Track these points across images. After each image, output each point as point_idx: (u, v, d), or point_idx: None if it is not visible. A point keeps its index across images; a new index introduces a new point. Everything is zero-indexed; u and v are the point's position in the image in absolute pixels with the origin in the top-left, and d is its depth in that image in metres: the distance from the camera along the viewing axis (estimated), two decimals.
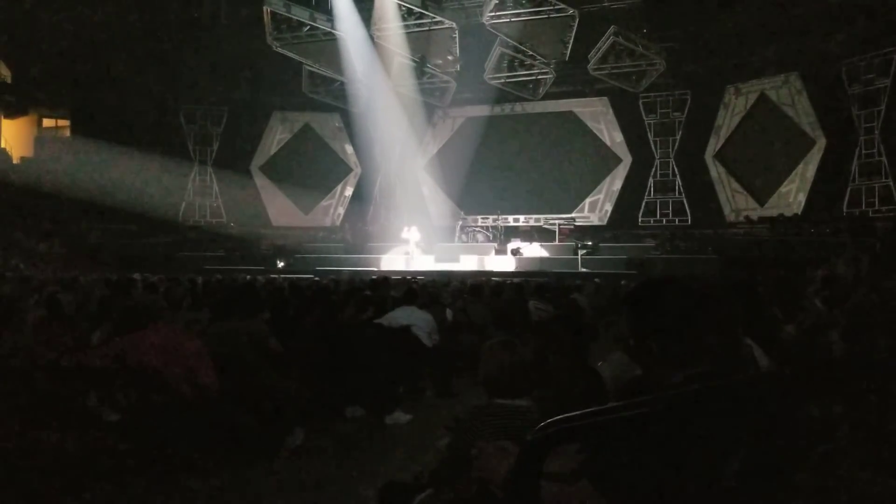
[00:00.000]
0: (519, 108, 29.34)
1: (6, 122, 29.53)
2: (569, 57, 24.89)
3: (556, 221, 25.93)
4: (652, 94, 27.07)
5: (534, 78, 26.91)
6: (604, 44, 24.34)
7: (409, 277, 17.42)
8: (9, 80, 28.79)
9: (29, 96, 29.15)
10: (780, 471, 1.58)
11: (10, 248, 24.50)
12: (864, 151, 22.49)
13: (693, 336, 2.01)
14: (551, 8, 23.62)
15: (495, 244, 25.33)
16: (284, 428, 6.17)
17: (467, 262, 23.53)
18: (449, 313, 10.74)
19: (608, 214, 28.15)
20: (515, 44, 25.21)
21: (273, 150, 31.46)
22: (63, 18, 26.17)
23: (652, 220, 27.31)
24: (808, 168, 24.12)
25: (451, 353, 9.07)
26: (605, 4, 24.42)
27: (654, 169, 27.48)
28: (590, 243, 23.16)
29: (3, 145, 29.04)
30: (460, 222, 27.61)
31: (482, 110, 29.69)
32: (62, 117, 30.50)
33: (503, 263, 23.16)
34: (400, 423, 7.25)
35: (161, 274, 18.26)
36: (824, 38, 22.84)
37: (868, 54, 22.15)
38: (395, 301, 9.78)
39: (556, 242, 24.89)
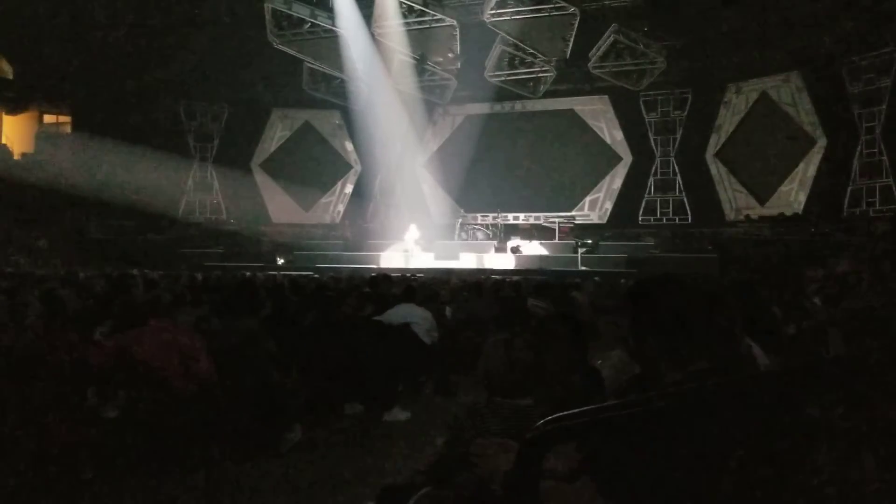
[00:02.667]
0: (519, 106, 29.32)
1: (7, 119, 29.52)
2: (569, 55, 24.86)
3: (556, 220, 25.89)
4: (652, 92, 27.05)
5: (534, 76, 26.89)
6: (605, 42, 24.35)
7: (408, 275, 17.42)
8: (10, 77, 28.79)
9: (30, 92, 29.14)
10: (780, 470, 1.58)
11: (11, 244, 24.50)
12: (864, 151, 22.50)
13: (692, 334, 2.01)
14: (552, 6, 23.61)
15: (495, 242, 25.29)
16: (283, 424, 6.17)
17: (467, 260, 23.51)
18: (448, 311, 10.74)
19: (608, 213, 28.15)
20: (516, 42, 25.18)
21: (273, 147, 31.45)
22: (64, 15, 26.14)
23: (652, 218, 27.30)
24: (809, 167, 24.13)
25: (450, 351, 9.07)
26: (606, 3, 24.36)
27: (654, 167, 27.48)
28: (590, 241, 23.12)
29: (3, 141, 29.04)
30: (460, 220, 27.58)
31: (482, 108, 29.66)
32: (63, 113, 30.49)
33: (503, 261, 23.14)
34: (399, 421, 7.25)
35: (161, 270, 18.27)
36: (826, 38, 22.82)
37: (869, 54, 22.15)
38: (395, 298, 9.77)
39: (556, 241, 24.85)
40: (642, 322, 2.13)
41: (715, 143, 26.58)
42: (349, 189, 31.01)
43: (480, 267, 22.47)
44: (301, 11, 24.96)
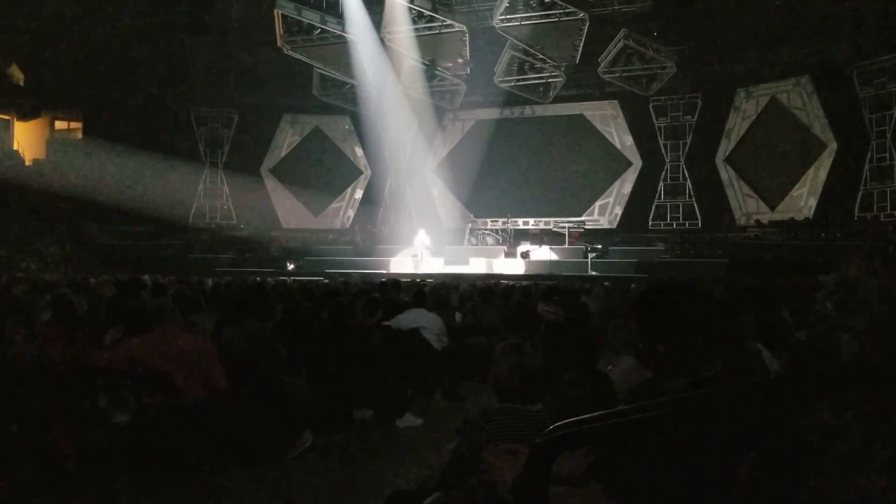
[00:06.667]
0: (529, 111, 29.31)
1: (19, 125, 29.69)
2: (579, 60, 24.86)
3: (566, 224, 25.86)
4: (662, 97, 26.99)
5: (544, 81, 26.88)
6: (614, 47, 24.33)
7: (418, 280, 17.43)
8: (22, 83, 28.95)
9: (41, 99, 29.29)
10: (790, 476, 1.58)
11: (22, 250, 24.61)
12: (875, 155, 22.37)
13: (702, 340, 2.01)
14: (561, 11, 23.61)
15: (505, 247, 25.32)
16: (293, 430, 6.18)
17: (476, 265, 23.50)
18: (458, 316, 10.73)
19: (618, 218, 28.08)
20: (525, 47, 25.19)
21: (283, 153, 31.49)
22: (75, 22, 26.29)
23: (662, 223, 27.23)
24: (819, 172, 24.01)
25: (460, 357, 9.06)
26: (616, 7, 24.37)
27: (664, 172, 27.41)
28: (599, 246, 23.09)
29: (15, 147, 29.20)
30: (470, 225, 27.61)
31: (492, 113, 29.67)
32: (74, 120, 30.64)
33: (512, 266, 23.13)
34: (412, 427, 7.25)
35: (171, 276, 18.31)
36: (836, 42, 22.75)
37: (880, 58, 22.04)
38: (405, 303, 9.78)
39: (566, 245, 24.83)
40: (651, 327, 2.13)
41: (725, 147, 26.49)
42: (359, 194, 31.03)
43: (490, 272, 22.46)
44: (311, 17, 25.05)
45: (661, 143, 27.49)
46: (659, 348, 2.08)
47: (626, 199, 28.05)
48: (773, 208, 25.18)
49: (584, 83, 27.56)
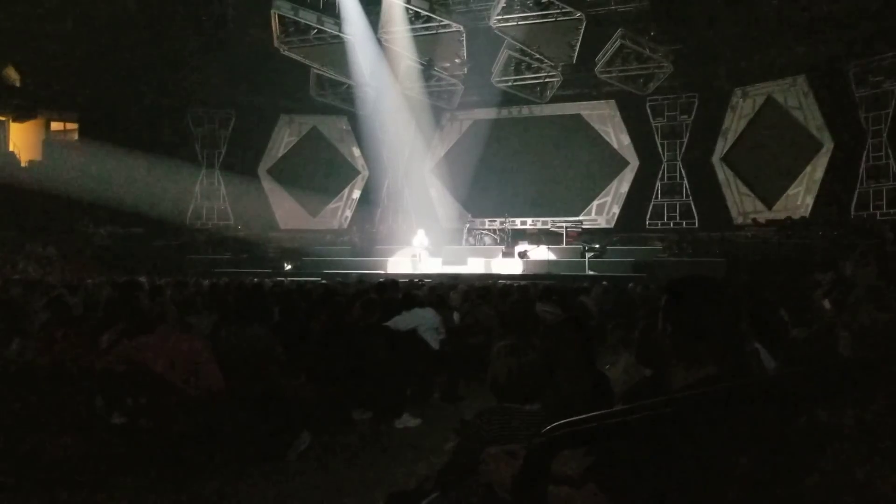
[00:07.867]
0: (526, 110, 29.29)
1: (15, 126, 29.61)
2: (576, 60, 24.87)
3: (564, 224, 25.87)
4: (659, 96, 27.00)
5: (541, 81, 26.88)
6: (611, 47, 24.32)
7: (416, 280, 17.42)
8: (17, 84, 28.89)
9: (37, 100, 29.23)
10: (787, 474, 1.58)
11: (18, 251, 24.58)
12: (871, 154, 22.41)
13: (723, 335, 2.00)
14: (558, 11, 23.62)
15: (503, 247, 25.32)
16: (291, 431, 6.17)
17: (475, 265, 23.50)
18: (456, 316, 10.72)
19: (615, 217, 28.10)
20: (523, 47, 25.20)
21: (281, 153, 31.47)
22: (71, 22, 26.24)
23: (659, 222, 27.24)
24: (816, 170, 24.04)
25: (458, 357, 9.06)
26: (613, 7, 24.39)
27: (661, 172, 27.42)
28: (597, 246, 23.07)
29: (11, 149, 29.12)
30: (468, 225, 27.60)
31: (489, 113, 29.68)
32: (70, 121, 30.58)
33: (510, 266, 23.12)
34: (409, 427, 7.24)
35: (168, 277, 18.29)
36: (832, 41, 22.76)
37: (876, 57, 22.08)
38: (403, 304, 9.76)
39: (564, 245, 24.84)
40: (678, 317, 2.10)
41: (721, 146, 26.51)
42: (357, 194, 31.02)
43: (488, 272, 22.46)
44: (308, 18, 25.02)
45: (658, 142, 27.51)
46: (672, 345, 2.07)
47: (623, 198, 28.06)
48: (769, 207, 25.20)
49: (581, 83, 27.54)
